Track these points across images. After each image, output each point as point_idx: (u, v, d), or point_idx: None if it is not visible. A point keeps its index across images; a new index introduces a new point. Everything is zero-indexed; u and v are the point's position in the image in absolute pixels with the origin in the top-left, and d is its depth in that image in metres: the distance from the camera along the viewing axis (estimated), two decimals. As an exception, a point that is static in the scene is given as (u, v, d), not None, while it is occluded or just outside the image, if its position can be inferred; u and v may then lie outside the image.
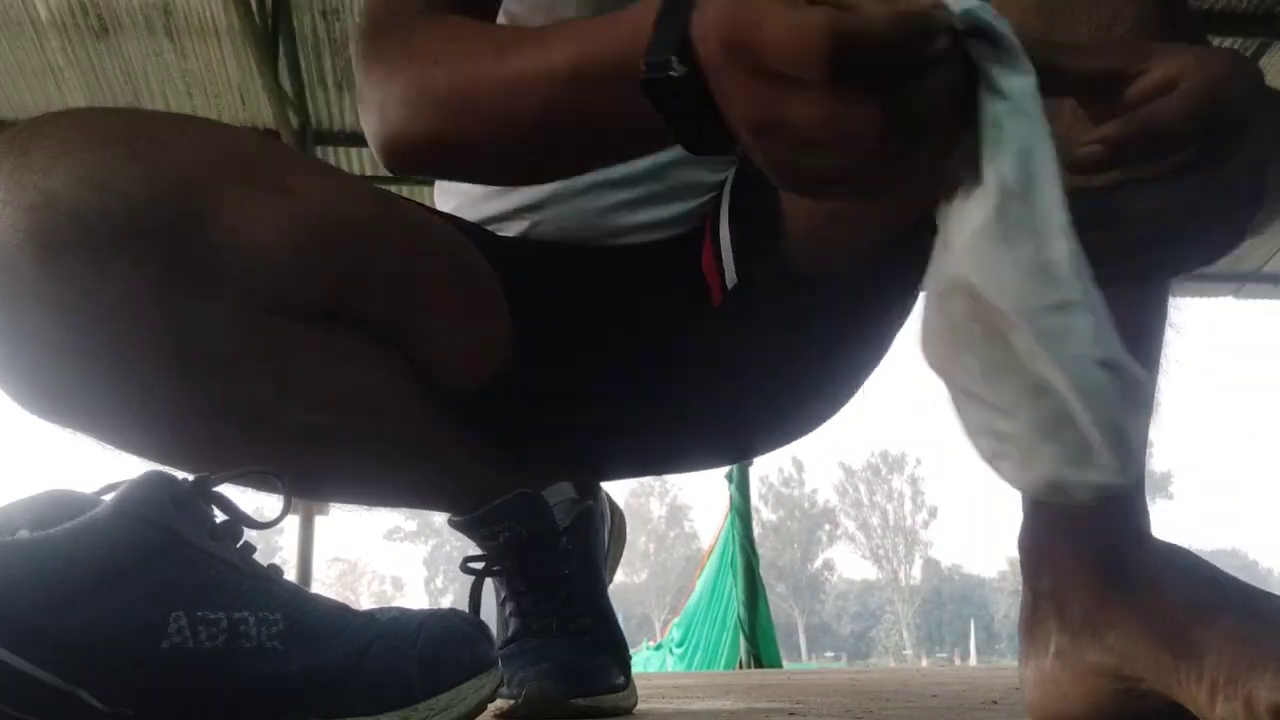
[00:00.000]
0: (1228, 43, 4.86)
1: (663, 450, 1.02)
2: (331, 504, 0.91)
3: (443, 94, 0.64)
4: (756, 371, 0.95)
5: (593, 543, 0.95)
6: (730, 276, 0.89)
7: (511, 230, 0.93)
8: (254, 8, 4.08)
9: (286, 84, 4.55)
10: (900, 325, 0.97)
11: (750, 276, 0.88)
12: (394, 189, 0.97)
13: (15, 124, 4.62)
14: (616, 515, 1.08)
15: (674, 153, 0.90)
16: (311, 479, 0.84)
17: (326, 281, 0.71)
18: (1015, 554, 0.65)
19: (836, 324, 0.90)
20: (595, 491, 0.99)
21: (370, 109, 0.69)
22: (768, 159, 0.47)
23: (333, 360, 0.75)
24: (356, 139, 5.00)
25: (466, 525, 0.91)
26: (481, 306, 0.84)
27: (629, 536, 1.16)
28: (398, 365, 0.80)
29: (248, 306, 0.67)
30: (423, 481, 0.88)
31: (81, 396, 0.67)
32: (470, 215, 0.94)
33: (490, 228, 0.94)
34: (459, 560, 0.93)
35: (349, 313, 0.74)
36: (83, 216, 0.59)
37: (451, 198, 0.98)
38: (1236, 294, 6.82)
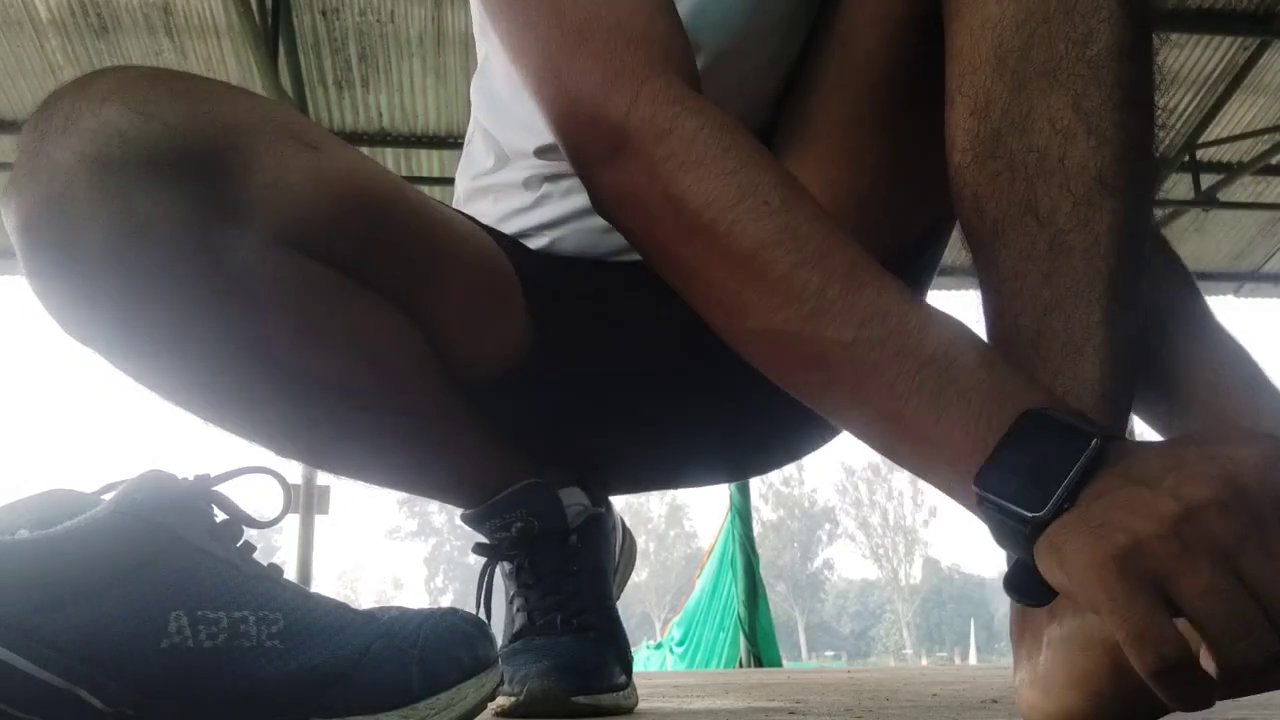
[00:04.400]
0: (1228, 42, 4.87)
1: (666, 466, 1.03)
2: (337, 486, 0.92)
3: (719, 277, 0.61)
4: (761, 390, 0.95)
5: (602, 547, 0.96)
6: None
7: (531, 245, 0.94)
8: (254, 7, 4.08)
9: (286, 83, 4.55)
10: None
11: None
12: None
13: (16, 124, 4.60)
14: (628, 537, 1.09)
15: None
16: (328, 444, 0.85)
17: (351, 231, 0.74)
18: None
19: None
20: (606, 503, 1.00)
21: (608, 189, 0.67)
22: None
23: (356, 313, 0.77)
24: (355, 138, 5.00)
25: (478, 517, 0.92)
26: (498, 292, 0.85)
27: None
28: (418, 340, 0.82)
29: (277, 241, 0.71)
30: (436, 465, 0.89)
31: (125, 321, 0.70)
32: (507, 228, 0.95)
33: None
34: (459, 559, 0.94)
35: (371, 275, 0.76)
36: (131, 138, 0.65)
37: (492, 208, 0.99)
38: (1236, 293, 6.83)
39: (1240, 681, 0.41)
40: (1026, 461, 0.48)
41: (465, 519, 0.94)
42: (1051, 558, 0.46)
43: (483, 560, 0.93)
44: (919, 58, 0.72)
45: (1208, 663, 0.41)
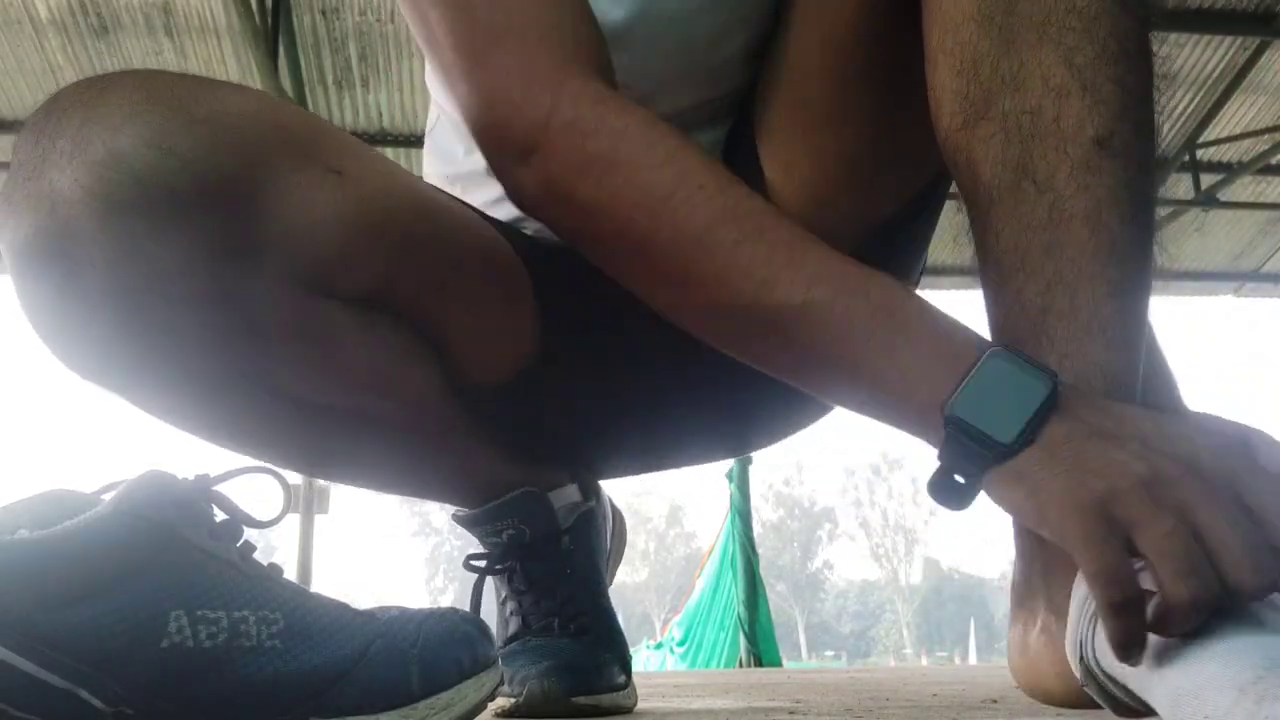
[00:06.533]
0: (1228, 42, 4.87)
1: (666, 444, 1.01)
2: (337, 486, 0.91)
3: (659, 260, 0.63)
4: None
5: (594, 544, 0.95)
6: None
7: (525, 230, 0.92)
8: (254, 7, 4.08)
9: (286, 83, 4.55)
10: None
11: None
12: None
13: (15, 124, 4.58)
14: (618, 517, 1.08)
15: None
16: (332, 460, 0.84)
17: (371, 266, 0.72)
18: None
19: None
20: (597, 493, 1.00)
21: (539, 183, 0.67)
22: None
23: (369, 345, 0.76)
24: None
25: (470, 521, 0.91)
26: (514, 303, 0.84)
27: (629, 536, 1.16)
28: (428, 355, 0.81)
29: (294, 282, 0.68)
30: (438, 470, 0.89)
31: (126, 358, 0.67)
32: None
33: None
34: (459, 559, 0.93)
35: (387, 299, 0.75)
36: (145, 177, 0.60)
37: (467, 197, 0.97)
38: (1236, 293, 6.84)
39: (1178, 617, 0.46)
40: (991, 394, 0.52)
41: (456, 519, 0.94)
42: (1019, 486, 0.50)
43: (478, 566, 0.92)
44: (902, 13, 0.69)
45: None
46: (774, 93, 0.82)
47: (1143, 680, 0.50)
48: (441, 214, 0.78)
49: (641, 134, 0.65)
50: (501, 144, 0.69)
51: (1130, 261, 0.59)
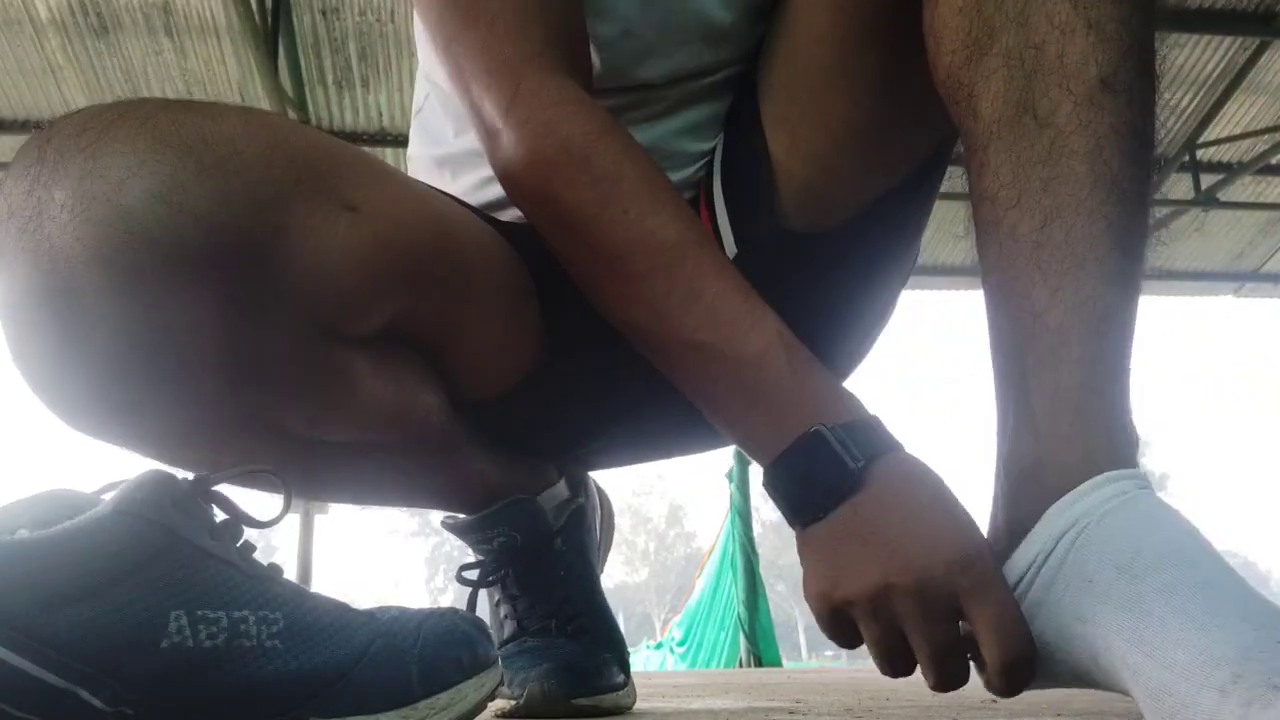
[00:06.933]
0: (1227, 42, 4.87)
1: (663, 434, 1.00)
2: (334, 503, 0.92)
3: (606, 263, 0.68)
4: None
5: (586, 541, 0.95)
6: (730, 247, 0.88)
7: (511, 215, 0.89)
8: (254, 7, 4.08)
9: (286, 83, 4.55)
10: (902, 284, 0.95)
11: (749, 243, 0.87)
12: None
13: (13, 123, 4.54)
14: (604, 503, 1.07)
15: (664, 125, 0.89)
16: (334, 487, 0.84)
17: (388, 307, 0.71)
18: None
19: (839, 285, 0.89)
20: (586, 485, 0.99)
21: (532, 193, 0.71)
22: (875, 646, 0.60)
23: (380, 384, 0.75)
24: (355, 138, 5.01)
25: (461, 529, 0.91)
26: (520, 315, 0.83)
27: (629, 536, 1.17)
28: (434, 379, 0.80)
29: (309, 329, 0.67)
30: (435, 484, 0.88)
31: (128, 413, 0.65)
32: (473, 200, 0.91)
33: (493, 213, 0.90)
34: (459, 559, 0.93)
35: (397, 332, 0.74)
36: (155, 237, 0.57)
37: (451, 185, 0.96)
38: (1236, 293, 6.84)
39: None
40: (802, 469, 0.61)
41: (446, 527, 0.93)
42: (802, 556, 0.62)
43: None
44: None
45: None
46: (780, 59, 0.83)
47: (1106, 656, 0.49)
48: (455, 237, 0.77)
49: (583, 146, 0.68)
50: (476, 117, 0.72)
51: (1129, 200, 0.58)
